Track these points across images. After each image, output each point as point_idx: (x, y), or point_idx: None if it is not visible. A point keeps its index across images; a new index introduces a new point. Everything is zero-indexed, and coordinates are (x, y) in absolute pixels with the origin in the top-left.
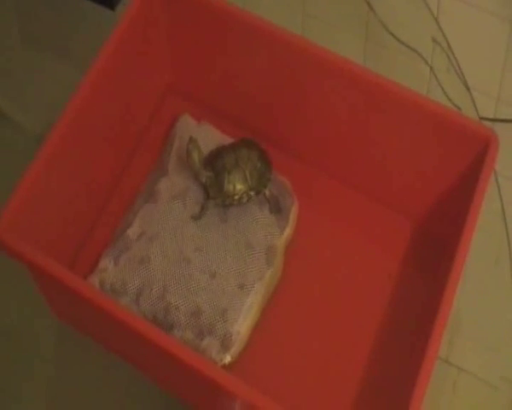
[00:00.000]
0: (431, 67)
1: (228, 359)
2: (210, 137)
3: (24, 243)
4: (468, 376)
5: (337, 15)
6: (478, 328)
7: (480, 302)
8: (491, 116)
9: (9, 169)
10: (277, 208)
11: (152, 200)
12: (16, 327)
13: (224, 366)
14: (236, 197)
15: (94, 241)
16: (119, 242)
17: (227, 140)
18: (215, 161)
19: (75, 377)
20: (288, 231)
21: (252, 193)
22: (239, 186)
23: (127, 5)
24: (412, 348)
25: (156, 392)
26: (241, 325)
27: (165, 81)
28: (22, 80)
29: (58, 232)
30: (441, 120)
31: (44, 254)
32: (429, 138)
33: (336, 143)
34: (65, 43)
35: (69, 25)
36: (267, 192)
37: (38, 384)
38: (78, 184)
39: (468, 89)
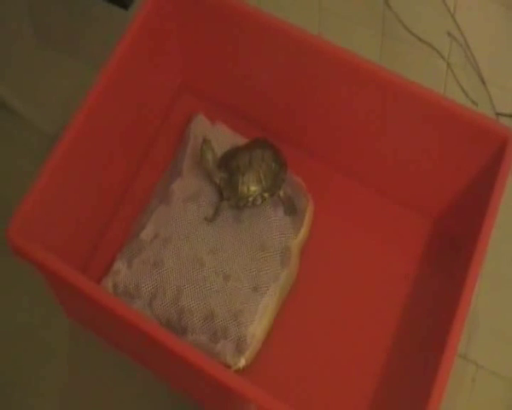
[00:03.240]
0: (448, 63)
1: (242, 362)
2: (224, 138)
3: (36, 246)
4: (487, 372)
5: (353, 10)
6: (496, 324)
7: (498, 299)
8: (509, 111)
9: (23, 168)
10: (292, 210)
11: (166, 201)
12: (29, 326)
13: (238, 370)
14: (250, 199)
15: (108, 242)
16: (133, 244)
17: (241, 140)
18: (229, 162)
19: (88, 376)
20: (302, 233)
21: (266, 194)
22: (253, 188)
23: (140, 5)
24: (430, 347)
25: (167, 393)
26: (256, 328)
27: (178, 80)
28: (36, 79)
29: (71, 234)
30: (458, 119)
31: (56, 258)
32: (446, 137)
33: (352, 142)
34: (78, 42)
35: (83, 24)
36: (281, 193)
37: (52, 383)
38: (92, 185)
39: (484, 84)
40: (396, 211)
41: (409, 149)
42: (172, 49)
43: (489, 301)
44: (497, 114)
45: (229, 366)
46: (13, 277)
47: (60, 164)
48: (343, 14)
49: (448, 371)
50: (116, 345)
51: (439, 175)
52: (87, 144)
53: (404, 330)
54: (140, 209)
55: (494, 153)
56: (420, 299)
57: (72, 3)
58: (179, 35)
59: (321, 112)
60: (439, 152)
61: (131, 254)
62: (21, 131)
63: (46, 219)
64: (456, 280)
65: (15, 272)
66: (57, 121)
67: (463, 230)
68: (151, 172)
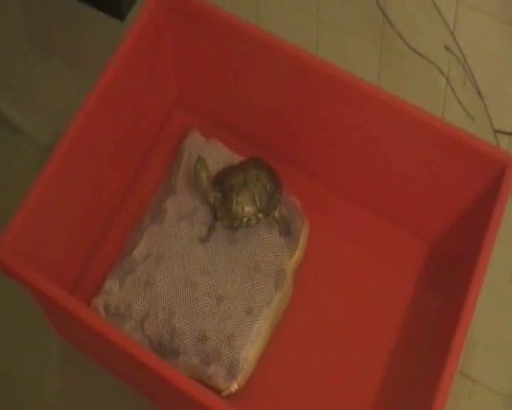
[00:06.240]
0: (447, 78)
1: (235, 386)
2: (218, 155)
3: (24, 265)
4: (483, 388)
5: (352, 24)
6: (493, 340)
7: (495, 315)
8: (508, 129)
9: (17, 179)
10: (287, 230)
11: (159, 220)
12: (19, 343)
13: (230, 394)
14: (245, 219)
15: (100, 259)
16: (125, 263)
17: (236, 158)
18: (223, 181)
19: (78, 394)
20: (297, 254)
21: (260, 215)
22: (247, 208)
23: (136, 17)
24: (428, 371)
25: None
26: (249, 352)
27: (172, 95)
28: (31, 89)
29: (62, 252)
30: (457, 144)
31: (45, 277)
32: (444, 160)
33: (348, 163)
34: (74, 52)
35: (79, 35)
36: (276, 214)
37: (41, 400)
38: (84, 202)
39: (483, 100)
40: (393, 233)
41: (406, 172)
42: (167, 63)
43: (485, 317)
44: (496, 131)
45: (221, 390)
46: (1, 292)
47: (50, 181)
48: (342, 27)
49: (447, 393)
50: (106, 366)
51: (437, 198)
52: (79, 160)
53: (402, 352)
54: (132, 226)
55: (493, 178)
56: (417, 321)
57: (68, 14)
58: (175, 49)
59: (317, 131)
60: (437, 175)
61: (123, 273)
62: (18, 143)
63: (36, 237)
64: (455, 302)
65: (5, 289)
66: (54, 132)
67: (462, 252)
68: (144, 188)
